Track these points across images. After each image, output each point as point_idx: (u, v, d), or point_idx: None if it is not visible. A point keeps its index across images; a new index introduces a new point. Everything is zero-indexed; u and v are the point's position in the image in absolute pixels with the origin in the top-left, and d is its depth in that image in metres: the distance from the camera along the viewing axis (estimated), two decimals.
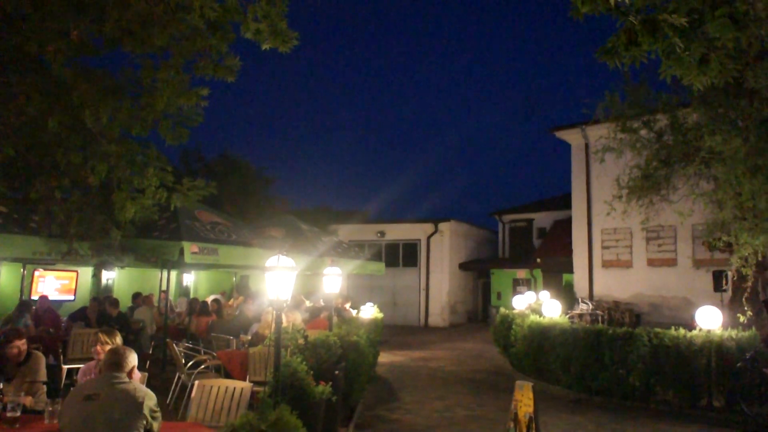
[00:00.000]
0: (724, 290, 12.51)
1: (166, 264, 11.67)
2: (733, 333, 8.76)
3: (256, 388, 5.71)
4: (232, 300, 16.32)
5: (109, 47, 6.28)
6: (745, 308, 10.71)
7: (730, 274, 12.13)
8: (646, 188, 12.71)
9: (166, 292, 12.28)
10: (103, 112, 6.17)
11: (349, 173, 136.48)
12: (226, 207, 21.85)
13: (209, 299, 13.88)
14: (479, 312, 27.51)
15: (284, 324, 7.80)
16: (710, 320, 8.93)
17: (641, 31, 2.95)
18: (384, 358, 13.84)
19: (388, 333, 17.81)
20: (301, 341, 7.06)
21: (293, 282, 4.83)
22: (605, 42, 3.48)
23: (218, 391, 4.99)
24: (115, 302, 10.73)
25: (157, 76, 6.22)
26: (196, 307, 12.37)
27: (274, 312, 4.75)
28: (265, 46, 6.04)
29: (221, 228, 9.86)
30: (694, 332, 8.91)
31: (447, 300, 24.63)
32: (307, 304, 13.86)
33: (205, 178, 7.88)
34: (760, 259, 10.58)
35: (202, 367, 8.18)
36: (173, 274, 17.82)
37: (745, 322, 10.12)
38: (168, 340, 9.30)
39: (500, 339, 13.63)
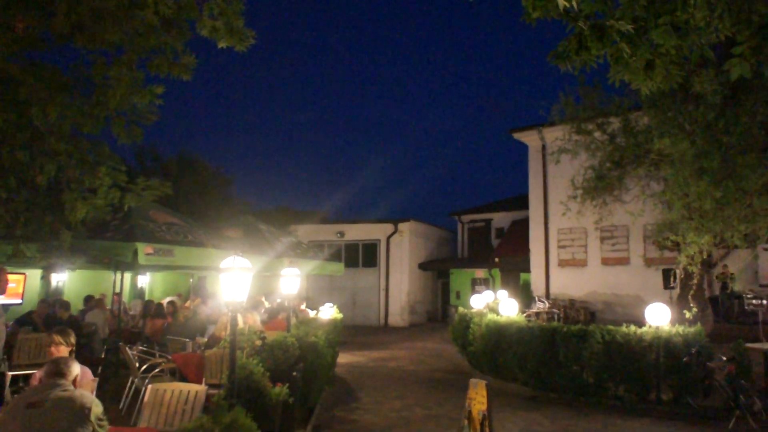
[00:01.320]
0: (673, 288, 12.95)
1: (119, 266, 11.37)
2: (680, 329, 9.06)
3: (212, 391, 5.62)
4: (188, 302, 16.01)
5: (59, 42, 6.09)
6: (691, 305, 11.11)
7: (678, 272, 12.55)
8: (600, 189, 13.06)
9: (120, 294, 11.96)
10: (52, 109, 5.97)
11: (309, 173, 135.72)
12: (183, 207, 21.42)
13: (165, 301, 13.59)
14: (439, 311, 27.74)
15: (241, 325, 7.72)
16: (659, 317, 9.22)
17: (590, 37, 3.03)
18: (343, 358, 13.82)
19: (348, 333, 17.78)
20: (258, 342, 7.00)
21: (249, 283, 4.78)
22: (557, 46, 3.57)
23: (172, 395, 4.90)
24: (66, 305, 10.40)
25: (109, 73, 6.06)
26: (151, 309, 12.10)
27: (230, 313, 4.69)
28: (221, 45, 5.97)
29: (177, 229, 9.67)
30: (644, 329, 9.18)
31: (407, 300, 24.76)
32: (266, 305, 13.74)
33: (160, 178, 7.73)
34: (705, 257, 11.00)
35: (157, 370, 8.01)
36: (127, 275, 17.40)
37: (692, 318, 10.49)
38: (121, 343, 9.07)
39: (458, 338, 13.77)
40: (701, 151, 9.30)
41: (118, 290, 12.44)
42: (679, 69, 3.40)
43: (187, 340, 9.24)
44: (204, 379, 7.22)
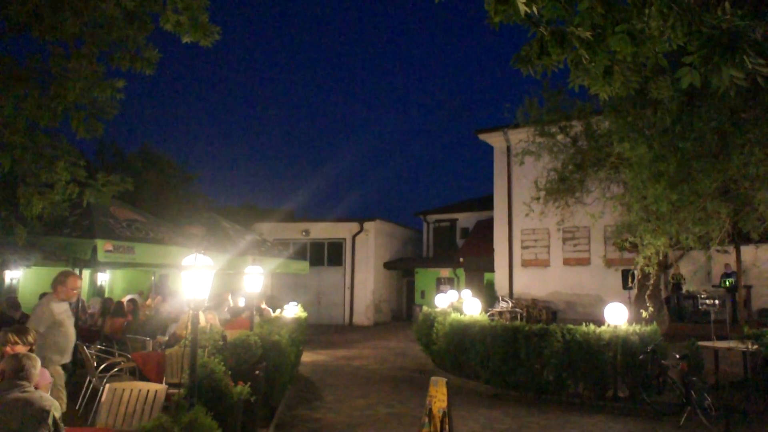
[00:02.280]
0: (631, 288, 13.28)
1: (77, 263, 11.09)
2: (637, 328, 9.32)
3: (172, 391, 5.54)
4: (149, 300, 15.73)
5: (15, 32, 5.93)
6: (648, 305, 11.42)
7: (636, 272, 12.89)
8: (562, 191, 13.32)
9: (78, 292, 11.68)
10: (7, 101, 5.80)
11: (274, 171, 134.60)
12: (145, 204, 21.02)
13: (125, 299, 13.32)
14: (404, 310, 27.86)
15: (203, 324, 7.63)
16: (617, 316, 9.46)
17: (551, 42, 3.10)
18: (307, 357, 13.78)
19: (313, 332, 17.72)
20: (219, 342, 6.94)
21: (211, 281, 4.74)
22: (520, 50, 3.64)
23: (131, 395, 4.82)
24: (15, 303, 10.10)
25: (68, 65, 5.92)
26: (111, 307, 11.85)
27: (191, 312, 4.64)
28: (185, 39, 5.88)
29: (138, 225, 9.48)
30: (603, 328, 9.40)
31: (372, 299, 24.79)
32: (231, 303, 13.60)
33: (121, 174, 7.57)
34: (661, 258, 11.32)
35: (116, 369, 7.86)
36: (86, 273, 16.97)
37: (648, 317, 10.78)
38: (78, 342, 8.85)
39: (423, 337, 13.87)
40: (658, 156, 9.54)
41: None
42: (636, 75, 3.50)
43: (148, 338, 9.08)
44: (164, 379, 7.12)
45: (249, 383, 5.86)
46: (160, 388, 4.92)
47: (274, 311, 13.22)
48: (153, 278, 19.72)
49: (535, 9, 2.85)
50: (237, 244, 11.45)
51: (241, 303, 13.12)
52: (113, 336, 10.85)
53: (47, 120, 6.04)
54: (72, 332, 6.09)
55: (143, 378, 7.39)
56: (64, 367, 5.91)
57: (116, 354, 8.62)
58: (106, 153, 24.98)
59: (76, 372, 9.82)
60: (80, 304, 11.40)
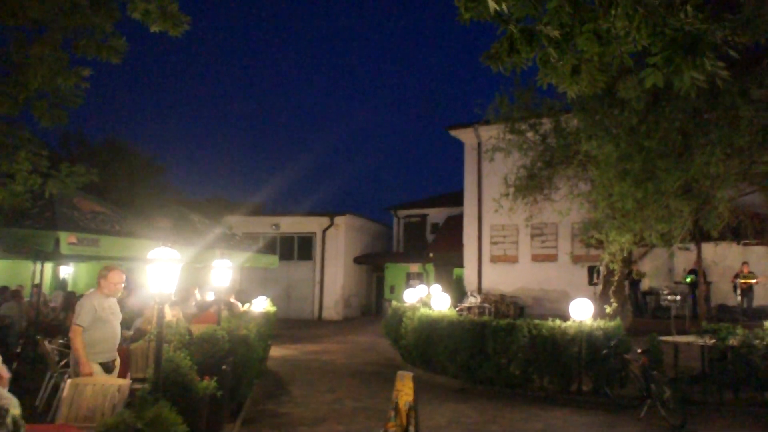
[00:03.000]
0: (596, 284, 13.54)
1: (39, 255, 10.81)
2: (602, 323, 9.51)
3: (137, 386, 5.47)
4: None
5: None
6: (612, 300, 11.66)
7: (601, 269, 13.14)
8: (531, 187, 13.48)
9: (39, 285, 11.40)
10: None
11: (245, 164, 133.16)
12: (111, 195, 20.60)
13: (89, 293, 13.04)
14: (373, 305, 27.91)
15: (169, 318, 7.53)
16: (582, 312, 9.63)
17: (520, 40, 3.14)
18: (276, 351, 13.71)
19: (282, 326, 17.63)
20: (186, 336, 6.86)
21: (178, 275, 4.67)
22: (490, 47, 3.67)
23: (93, 390, 4.73)
24: None
25: (30, 52, 5.76)
26: (74, 301, 11.58)
27: (157, 306, 4.57)
28: (154, 29, 5.76)
29: (103, 217, 9.28)
30: (568, 323, 9.57)
31: (341, 293, 24.78)
32: (198, 297, 13.43)
33: (86, 164, 7.41)
34: (626, 255, 11.56)
35: None
36: (48, 266, 16.57)
37: (612, 313, 11.02)
38: (39, 337, 8.65)
39: (391, 332, 13.91)
40: (624, 154, 9.74)
41: (37, 281, 11.85)
42: (602, 75, 3.57)
43: None
44: (129, 374, 7.01)
45: (215, 378, 5.82)
46: (124, 383, 4.84)
47: (242, 305, 13.11)
48: None
49: (504, 7, 2.88)
50: (205, 238, 11.31)
51: (210, 297, 12.98)
52: None
53: (8, 108, 5.87)
54: (116, 330, 5.88)
55: None
56: (105, 366, 5.68)
57: None
58: (71, 143, 24.42)
59: (36, 367, 9.62)
60: (41, 298, 11.12)
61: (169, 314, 8.19)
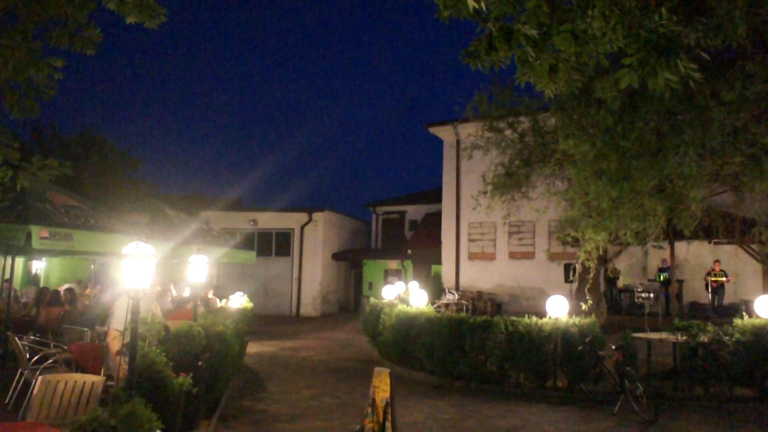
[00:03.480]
0: (572, 281, 13.70)
1: (10, 250, 10.59)
2: (577, 320, 9.62)
3: (111, 383, 5.40)
4: (88, 289, 15.21)
5: None
6: (587, 297, 11.81)
7: (577, 266, 13.29)
8: (509, 185, 13.58)
9: (10, 280, 11.16)
10: None
11: (223, 159, 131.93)
12: (85, 189, 20.27)
13: (62, 288, 12.83)
14: (351, 302, 27.89)
15: (144, 314, 7.43)
16: (558, 309, 9.74)
17: (498, 38, 3.15)
18: (253, 348, 13.63)
19: (259, 323, 17.52)
20: (161, 332, 6.78)
21: (153, 270, 4.62)
22: (469, 45, 3.69)
23: (65, 387, 4.66)
24: None
25: (0, 41, 5.62)
26: (46, 296, 11.38)
27: (131, 301, 4.52)
28: (129, 20, 5.67)
29: (77, 212, 9.12)
30: (544, 320, 9.67)
31: (319, 290, 24.72)
32: (174, 293, 13.29)
33: (60, 157, 7.28)
34: (601, 253, 11.71)
35: (50, 361, 7.56)
36: (19, 260, 16.25)
37: (587, 310, 11.16)
38: (9, 333, 8.48)
39: (369, 328, 13.93)
40: (601, 153, 9.87)
41: (7, 276, 11.61)
42: (579, 74, 3.61)
43: (86, 329, 8.79)
44: (102, 370, 6.91)
45: (191, 374, 5.77)
46: (97, 380, 4.78)
47: (219, 301, 13.01)
48: (93, 267, 19.07)
49: (483, 5, 2.90)
50: (181, 233, 11.18)
51: (186, 293, 12.85)
52: (48, 326, 10.43)
53: None
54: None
55: (80, 370, 7.15)
56: None
57: (51, 345, 8.30)
58: (44, 135, 23.94)
59: (6, 364, 9.43)
60: (11, 293, 10.89)
61: (144, 310, 8.08)
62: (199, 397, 6.29)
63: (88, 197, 12.36)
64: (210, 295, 12.54)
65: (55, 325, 10.15)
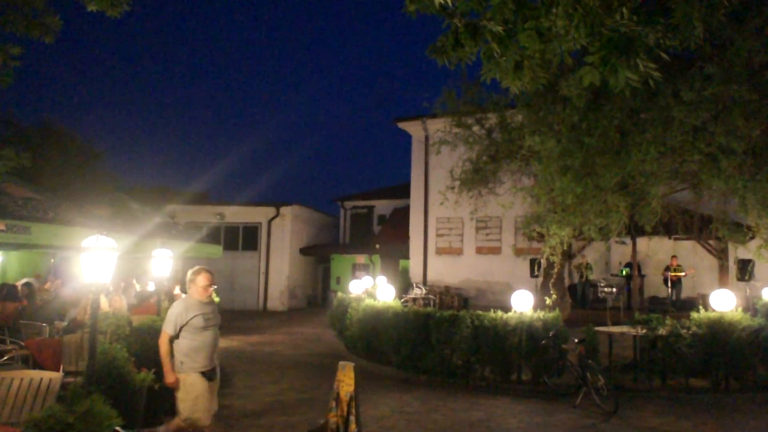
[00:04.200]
0: (537, 276, 13.91)
1: None
2: (541, 314, 9.77)
3: (69, 379, 5.28)
4: (48, 283, 14.82)
5: None
6: (552, 292, 12.01)
7: (542, 261, 13.49)
8: (476, 181, 13.71)
9: None
10: None
11: (189, 152, 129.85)
12: (45, 181, 19.70)
13: (20, 283, 12.47)
14: (319, 296, 27.80)
15: (105, 308, 7.29)
16: (523, 303, 9.88)
17: (464, 34, 3.17)
18: (219, 343, 13.47)
19: (225, 317, 17.20)
20: (127, 330, 6.67)
21: (114, 264, 4.52)
22: (436, 41, 3.70)
23: (21, 384, 4.53)
24: None
25: None
26: (2, 291, 11.04)
27: (91, 296, 4.42)
28: (91, 8, 5.52)
29: (36, 204, 8.90)
30: (510, 314, 9.80)
31: (287, 284, 24.58)
32: (137, 287, 13.07)
33: (17, 148, 7.07)
34: (565, 248, 11.91)
35: (5, 358, 7.36)
36: None
37: (552, 304, 11.34)
38: None
39: (336, 323, 13.92)
40: (566, 150, 10.02)
41: None
42: (544, 72, 3.66)
43: (44, 324, 8.57)
44: (62, 367, 6.76)
45: (154, 369, 5.67)
46: (55, 376, 4.66)
47: (184, 295, 12.83)
48: (52, 261, 18.59)
49: (449, 0, 2.90)
50: (145, 226, 10.99)
51: (150, 287, 12.64)
52: (5, 322, 10.13)
53: None
54: (213, 337, 5.34)
55: (38, 367, 6.97)
56: (207, 374, 5.21)
57: (7, 342, 8.07)
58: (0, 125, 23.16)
59: None
60: None
61: (106, 304, 7.93)
62: (162, 392, 6.20)
63: (47, 189, 12.04)
64: (176, 290, 12.36)
65: (11, 320, 9.85)
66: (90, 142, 25.51)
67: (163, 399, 6.60)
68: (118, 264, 5.05)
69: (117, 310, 8.01)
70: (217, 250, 14.23)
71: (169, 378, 5.00)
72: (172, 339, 5.09)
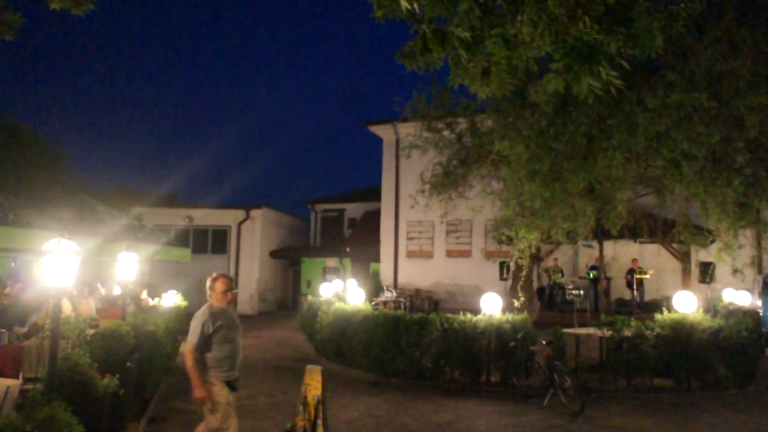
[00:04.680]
0: (506, 279, 14.05)
1: None
2: (510, 317, 9.88)
3: (29, 386, 5.13)
4: (8, 288, 14.40)
5: None
6: (520, 295, 12.14)
7: (511, 264, 13.64)
8: (447, 185, 13.80)
9: None
10: None
11: (157, 154, 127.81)
12: (4, 183, 19.15)
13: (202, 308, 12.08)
14: (289, 300, 27.62)
15: (68, 313, 7.12)
16: (492, 306, 9.97)
17: (432, 40, 3.20)
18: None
19: None
20: (91, 331, 6.52)
21: (76, 268, 4.42)
22: (404, 46, 3.72)
23: None
24: None
25: None
26: None
27: (52, 300, 4.31)
28: (54, 6, 5.40)
29: None
30: (479, 316, 9.88)
31: (257, 288, 24.36)
32: (103, 291, 12.80)
33: None
34: (534, 252, 12.07)
35: None
36: None
37: (520, 306, 11.47)
38: None
39: (306, 326, 13.84)
40: (534, 155, 10.17)
41: None
42: (511, 78, 3.71)
43: (3, 330, 8.31)
44: (21, 374, 6.57)
45: (118, 376, 5.57)
46: (12, 383, 4.53)
47: (152, 300, 12.61)
48: (13, 264, 18.07)
49: (416, 6, 2.93)
50: (111, 229, 10.76)
51: (116, 291, 12.39)
52: None
53: None
54: (235, 345, 5.22)
55: None
56: (231, 385, 5.12)
57: None
58: None
59: None
60: None
61: (69, 309, 7.74)
62: (126, 398, 6.08)
63: (7, 191, 11.69)
64: (144, 295, 12.15)
65: None
66: (53, 142, 24.79)
67: (128, 406, 6.49)
68: (82, 267, 4.95)
69: (84, 314, 7.84)
70: (185, 253, 14.03)
71: (199, 392, 4.87)
72: (198, 349, 4.94)
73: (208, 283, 5.20)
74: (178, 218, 24.47)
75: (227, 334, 5.08)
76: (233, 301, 5.21)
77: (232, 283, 5.28)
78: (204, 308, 5.15)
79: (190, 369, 4.87)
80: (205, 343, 4.95)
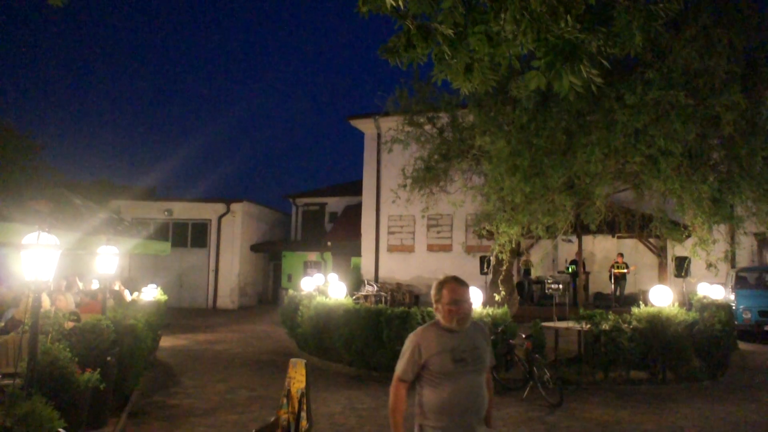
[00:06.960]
0: (486, 273, 14.17)
1: None
2: (490, 310, 9.98)
3: (7, 382, 5.08)
4: None
5: None
6: (501, 289, 12.26)
7: (492, 259, 13.75)
8: (428, 179, 13.82)
9: None
10: None
11: (136, 147, 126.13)
12: None
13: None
14: (270, 294, 27.55)
15: (47, 307, 7.04)
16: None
17: (416, 36, 3.23)
18: (167, 342, 13.21)
19: (174, 316, 16.99)
20: (70, 324, 6.46)
21: (56, 262, 4.39)
22: (388, 41, 3.74)
23: None
24: None
25: None
26: None
27: (32, 294, 4.27)
28: None
29: None
30: None
31: (237, 282, 24.25)
32: (81, 285, 12.65)
33: None
34: (514, 246, 12.19)
35: None
36: None
37: (500, 300, 11.59)
38: None
39: (287, 320, 13.83)
40: (515, 150, 10.24)
41: None
42: (494, 74, 3.75)
43: None
44: None
45: (99, 370, 5.53)
46: None
47: (132, 294, 12.50)
48: None
49: (401, 2, 2.95)
50: (89, 223, 10.64)
51: (95, 285, 12.26)
52: None
53: None
54: (464, 386, 3.20)
55: None
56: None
57: None
58: None
59: None
60: None
61: (48, 303, 7.64)
62: (107, 393, 6.05)
63: None
64: (116, 287, 12.02)
65: None
66: (29, 134, 24.41)
67: (108, 400, 6.45)
68: (60, 261, 4.90)
69: (62, 309, 7.75)
70: (165, 246, 13.93)
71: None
72: (408, 387, 3.34)
73: (433, 290, 3.36)
74: (157, 212, 24.23)
75: (453, 370, 3.22)
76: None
77: (466, 292, 3.29)
78: (422, 329, 3.36)
79: (391, 414, 3.43)
80: (418, 380, 3.36)
